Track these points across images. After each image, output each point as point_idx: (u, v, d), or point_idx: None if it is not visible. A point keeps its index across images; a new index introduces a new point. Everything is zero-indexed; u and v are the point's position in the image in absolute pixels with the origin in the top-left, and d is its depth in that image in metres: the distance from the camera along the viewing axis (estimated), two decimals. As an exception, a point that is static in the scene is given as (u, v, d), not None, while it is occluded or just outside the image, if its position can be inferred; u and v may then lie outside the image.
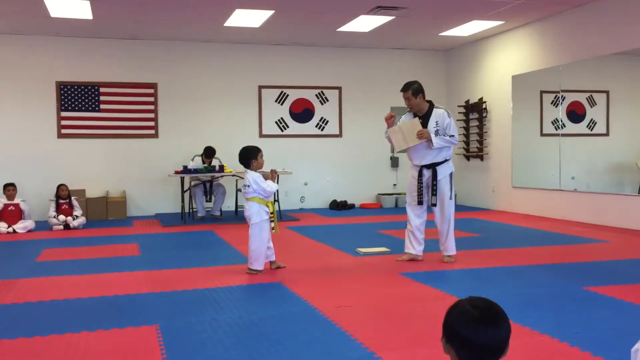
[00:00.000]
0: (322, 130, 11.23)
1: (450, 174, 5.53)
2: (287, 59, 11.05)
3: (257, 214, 5.17)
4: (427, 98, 5.56)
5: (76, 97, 10.09)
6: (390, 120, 5.51)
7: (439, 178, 5.46)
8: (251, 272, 5.18)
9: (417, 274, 5.07)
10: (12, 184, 8.88)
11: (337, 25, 9.51)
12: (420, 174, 5.49)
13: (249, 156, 5.24)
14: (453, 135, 5.44)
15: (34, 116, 9.92)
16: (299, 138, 11.15)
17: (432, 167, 5.48)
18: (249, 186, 5.18)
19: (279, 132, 11.04)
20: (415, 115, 5.52)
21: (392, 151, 10.65)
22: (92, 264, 5.79)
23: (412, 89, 5.46)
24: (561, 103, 9.26)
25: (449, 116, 5.47)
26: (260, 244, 5.17)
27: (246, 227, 5.35)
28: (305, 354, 3.11)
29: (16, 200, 8.73)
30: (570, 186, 8.98)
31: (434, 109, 5.49)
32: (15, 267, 5.67)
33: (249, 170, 5.24)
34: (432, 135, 5.37)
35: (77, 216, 8.82)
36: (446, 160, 5.50)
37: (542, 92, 9.75)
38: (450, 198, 5.51)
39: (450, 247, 5.62)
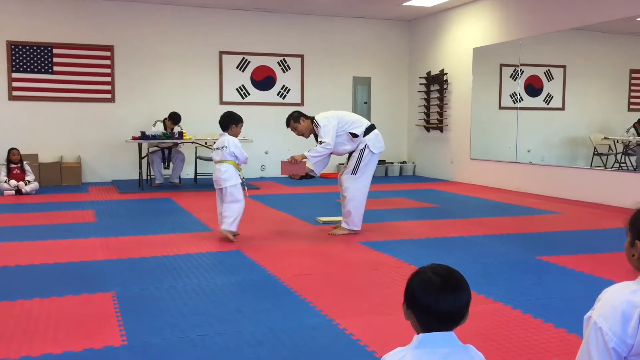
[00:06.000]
0: (283, 98, 11.13)
1: (362, 150, 5.37)
2: (249, 24, 10.84)
3: (235, 176, 5.17)
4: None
5: (28, 58, 9.71)
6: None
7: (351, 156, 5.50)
8: (231, 234, 5.15)
9: (376, 242, 5.12)
10: None
11: (301, -8, 9.36)
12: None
13: (231, 121, 5.27)
14: (322, 142, 5.33)
15: (-17, 77, 9.51)
16: (260, 106, 11.02)
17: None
18: (226, 147, 5.14)
19: (240, 99, 10.88)
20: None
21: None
22: (45, 230, 5.65)
23: (293, 118, 5.51)
24: (520, 77, 9.39)
25: (318, 124, 5.39)
26: (241, 205, 5.18)
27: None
28: (264, 321, 3.11)
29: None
30: (526, 159, 9.17)
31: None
32: (-36, 233, 5.48)
33: (226, 134, 5.22)
34: (307, 153, 5.36)
35: (29, 181, 8.56)
36: (358, 144, 5.41)
37: (501, 65, 9.86)
38: (353, 173, 5.39)
39: (346, 219, 5.49)
